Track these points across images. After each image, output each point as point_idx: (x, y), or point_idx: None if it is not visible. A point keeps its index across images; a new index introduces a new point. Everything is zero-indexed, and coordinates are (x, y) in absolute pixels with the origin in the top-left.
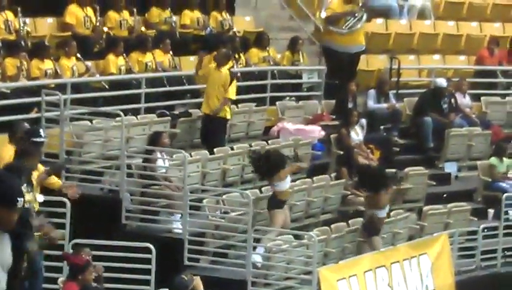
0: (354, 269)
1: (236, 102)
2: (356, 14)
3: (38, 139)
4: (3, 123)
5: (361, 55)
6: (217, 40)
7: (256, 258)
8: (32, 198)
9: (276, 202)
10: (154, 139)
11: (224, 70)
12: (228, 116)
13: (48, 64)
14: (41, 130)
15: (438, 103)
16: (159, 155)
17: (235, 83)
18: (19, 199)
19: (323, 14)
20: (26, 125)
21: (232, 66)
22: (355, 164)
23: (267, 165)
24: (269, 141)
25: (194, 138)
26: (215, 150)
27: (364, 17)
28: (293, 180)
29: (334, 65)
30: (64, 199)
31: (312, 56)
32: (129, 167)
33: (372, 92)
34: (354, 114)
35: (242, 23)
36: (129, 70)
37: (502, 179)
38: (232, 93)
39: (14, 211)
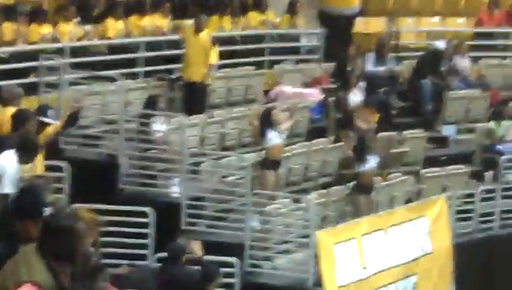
0: (352, 233)
1: (234, 66)
2: None
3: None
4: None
5: (359, 18)
6: (216, 3)
7: (254, 222)
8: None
9: (265, 162)
10: (151, 103)
11: (203, 35)
12: (208, 82)
13: (46, 29)
14: (51, 111)
15: (436, 66)
16: (154, 119)
17: (216, 48)
18: (43, 210)
19: None
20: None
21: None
22: (354, 127)
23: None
24: (268, 105)
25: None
26: (213, 113)
27: None
28: (292, 143)
29: (331, 28)
30: (62, 164)
31: (311, 19)
32: (127, 131)
33: (371, 54)
34: (352, 77)
35: None
36: (128, 35)
37: (500, 142)
38: (213, 58)
39: (39, 222)
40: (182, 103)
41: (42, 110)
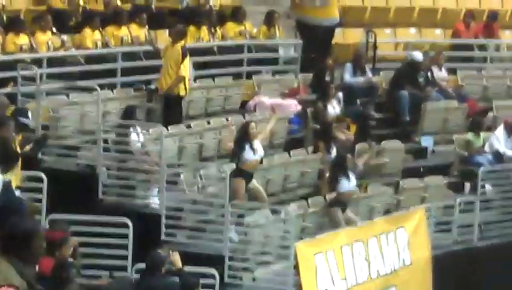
0: (331, 244)
1: (213, 76)
2: None
3: (26, 121)
4: None
5: (337, 29)
6: (193, 14)
7: (232, 234)
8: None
9: (236, 172)
10: (129, 114)
11: (177, 47)
12: (182, 93)
13: (23, 39)
14: (29, 112)
15: (414, 77)
16: (131, 129)
17: (187, 60)
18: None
19: None
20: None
21: (185, 43)
22: (333, 138)
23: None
24: (246, 115)
25: None
26: (191, 124)
27: None
28: (269, 155)
29: (309, 39)
30: (41, 174)
31: (288, 30)
32: (106, 141)
33: (348, 65)
34: (330, 88)
35: None
36: (105, 45)
37: (479, 153)
38: (184, 70)
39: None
40: (161, 114)
41: (20, 111)
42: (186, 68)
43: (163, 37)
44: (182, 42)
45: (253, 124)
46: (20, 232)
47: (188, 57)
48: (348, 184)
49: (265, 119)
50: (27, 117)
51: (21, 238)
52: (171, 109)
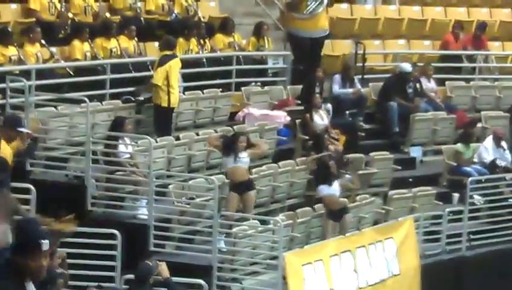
0: (320, 254)
1: (201, 88)
2: None
3: (23, 129)
4: None
5: (326, 40)
6: (182, 25)
7: (220, 244)
8: None
9: (229, 185)
10: (117, 125)
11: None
12: (164, 104)
13: (12, 51)
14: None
15: (403, 88)
16: (120, 141)
17: (162, 69)
18: (42, 242)
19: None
20: None
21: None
22: (324, 149)
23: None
24: (235, 127)
25: None
26: (180, 135)
27: (325, 1)
28: (258, 165)
29: (298, 50)
30: (29, 185)
31: (277, 41)
32: (94, 153)
33: (337, 77)
34: (317, 98)
35: (207, 8)
36: (94, 57)
37: (468, 164)
38: (156, 79)
39: (41, 257)
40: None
41: (17, 120)
42: (159, 76)
43: (152, 48)
44: (168, 52)
45: (242, 138)
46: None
47: (165, 66)
48: (329, 189)
49: (254, 130)
50: (22, 126)
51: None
52: (159, 120)
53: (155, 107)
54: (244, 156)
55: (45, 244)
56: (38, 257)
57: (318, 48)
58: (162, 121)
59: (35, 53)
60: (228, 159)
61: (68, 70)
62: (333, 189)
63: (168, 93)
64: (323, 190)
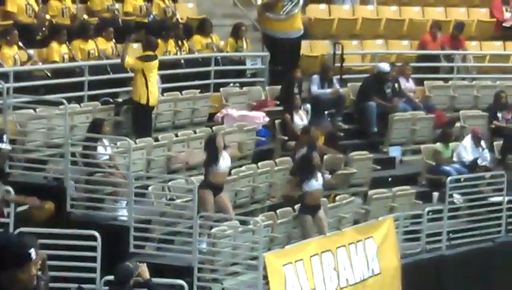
0: (300, 254)
1: (180, 89)
2: None
3: (4, 146)
4: None
5: (303, 41)
6: (160, 27)
7: (201, 244)
8: None
9: (204, 183)
10: (96, 127)
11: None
12: (143, 101)
13: None
14: (4, 136)
15: (381, 88)
16: (99, 142)
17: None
18: (30, 253)
19: (260, 1)
20: None
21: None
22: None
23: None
24: (213, 128)
25: None
26: (159, 136)
27: (301, 1)
28: (238, 166)
29: (275, 51)
30: (8, 187)
31: (255, 42)
32: (73, 154)
33: (315, 77)
34: (296, 98)
35: (185, 10)
36: (72, 59)
37: (447, 163)
38: (128, 63)
39: (30, 268)
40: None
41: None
42: (131, 63)
43: (130, 50)
44: (150, 52)
45: (219, 138)
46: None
47: (145, 63)
48: (316, 183)
49: (233, 131)
50: (2, 141)
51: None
52: (138, 120)
53: (134, 105)
54: (227, 158)
55: (34, 253)
56: (28, 267)
57: (296, 48)
58: (142, 121)
59: (13, 55)
60: (215, 164)
61: (46, 72)
62: (318, 183)
63: (147, 91)
64: (312, 184)
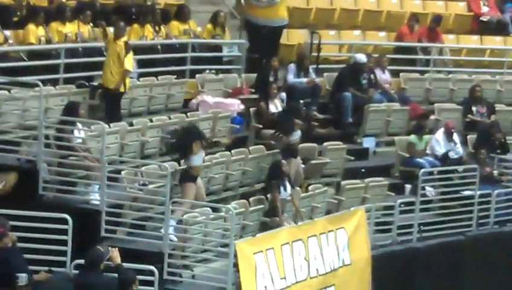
0: (271, 242)
1: (156, 74)
2: None
3: None
4: None
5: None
6: (137, 11)
7: (172, 231)
8: None
9: (187, 175)
10: (71, 110)
11: (120, 42)
12: (122, 90)
13: None
14: None
15: (357, 79)
16: (74, 126)
17: (131, 55)
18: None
19: None
20: None
21: (129, 39)
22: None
23: (181, 141)
24: (188, 114)
25: None
26: (133, 121)
27: None
28: (211, 153)
29: (255, 39)
30: None
31: (233, 30)
32: (47, 137)
33: (292, 66)
34: (272, 87)
35: None
36: (49, 41)
37: (420, 155)
38: (128, 65)
39: None
40: (104, 110)
41: None
42: (130, 62)
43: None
44: (125, 38)
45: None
46: None
47: (131, 52)
48: (283, 193)
49: (208, 118)
50: None
51: None
52: (111, 105)
53: (111, 94)
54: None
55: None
56: None
57: (276, 37)
58: (118, 106)
59: None
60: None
61: (22, 54)
62: (298, 134)
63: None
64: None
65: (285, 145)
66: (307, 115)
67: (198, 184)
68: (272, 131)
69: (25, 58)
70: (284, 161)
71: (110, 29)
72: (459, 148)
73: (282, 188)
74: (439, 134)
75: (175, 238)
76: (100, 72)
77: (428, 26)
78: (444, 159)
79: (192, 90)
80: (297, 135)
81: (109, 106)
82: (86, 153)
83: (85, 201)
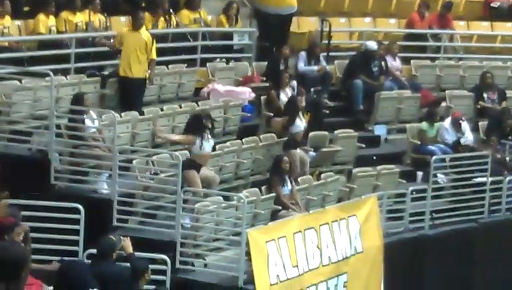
0: (283, 231)
1: (166, 63)
2: None
3: None
4: None
5: (293, 18)
6: (148, 0)
7: (185, 219)
8: None
9: (188, 163)
10: (77, 101)
11: (144, 32)
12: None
13: None
14: None
15: (368, 66)
16: (85, 115)
17: (155, 44)
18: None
19: None
20: None
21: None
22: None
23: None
24: (199, 102)
25: None
26: (145, 110)
27: None
28: (222, 142)
29: (265, 27)
30: None
31: (243, 18)
32: (58, 127)
33: (302, 54)
34: (284, 76)
35: None
36: (59, 31)
37: (432, 142)
38: (155, 54)
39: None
40: (119, 100)
41: None
42: (154, 52)
43: (117, 23)
44: (144, 28)
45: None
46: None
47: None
48: (285, 189)
49: (219, 106)
50: None
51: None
52: (134, 94)
53: (138, 82)
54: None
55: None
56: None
57: (286, 25)
58: (142, 95)
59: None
60: (197, 145)
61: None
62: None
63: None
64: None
65: (288, 136)
66: (317, 102)
67: (204, 174)
68: (279, 119)
69: (35, 48)
70: (285, 158)
71: (121, 19)
72: (468, 138)
73: (283, 184)
74: (447, 122)
75: (188, 224)
76: (111, 62)
77: (439, 13)
78: (456, 146)
79: (203, 78)
80: (298, 126)
81: (131, 95)
82: (97, 142)
83: (97, 190)
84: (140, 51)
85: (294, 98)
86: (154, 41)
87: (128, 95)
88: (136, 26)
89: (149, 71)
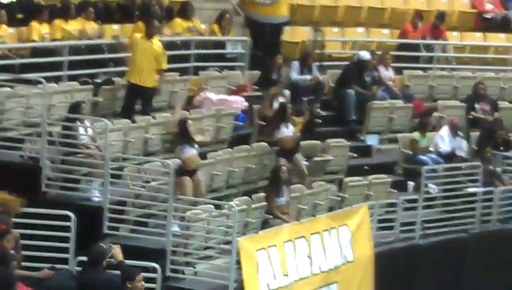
0: (274, 240)
1: None
2: None
3: None
4: None
5: (285, 27)
6: (141, 9)
7: (174, 227)
8: None
9: (181, 170)
10: (74, 109)
11: (156, 42)
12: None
13: None
14: None
15: (360, 76)
16: (79, 123)
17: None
18: None
19: None
20: None
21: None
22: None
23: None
24: (191, 111)
25: (116, 107)
26: (136, 118)
27: None
28: (214, 150)
29: (258, 36)
30: None
31: (236, 27)
32: (50, 134)
33: (295, 63)
34: (277, 85)
35: None
36: (52, 38)
37: (424, 152)
38: (165, 64)
39: None
40: (124, 107)
41: None
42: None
43: (110, 31)
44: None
45: (190, 122)
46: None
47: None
48: (285, 131)
49: (211, 115)
50: None
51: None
52: (143, 102)
53: (147, 90)
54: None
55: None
56: None
57: (277, 34)
58: (151, 103)
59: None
60: (185, 149)
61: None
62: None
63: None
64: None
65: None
66: (310, 112)
67: (197, 180)
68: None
69: (27, 55)
70: (284, 167)
71: (113, 27)
72: (464, 144)
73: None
74: (444, 131)
75: (178, 233)
76: (104, 69)
77: (432, 24)
78: (450, 157)
79: (196, 87)
80: (283, 133)
81: (141, 102)
82: (92, 150)
83: (88, 198)
84: (150, 60)
85: (283, 105)
86: (164, 51)
87: (134, 101)
88: (149, 34)
89: (158, 79)
